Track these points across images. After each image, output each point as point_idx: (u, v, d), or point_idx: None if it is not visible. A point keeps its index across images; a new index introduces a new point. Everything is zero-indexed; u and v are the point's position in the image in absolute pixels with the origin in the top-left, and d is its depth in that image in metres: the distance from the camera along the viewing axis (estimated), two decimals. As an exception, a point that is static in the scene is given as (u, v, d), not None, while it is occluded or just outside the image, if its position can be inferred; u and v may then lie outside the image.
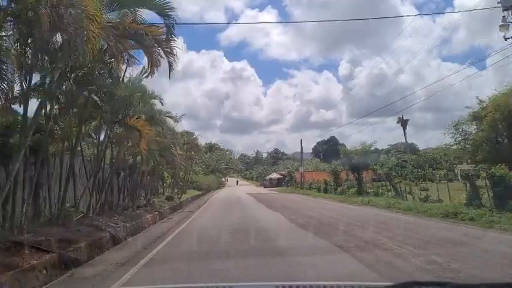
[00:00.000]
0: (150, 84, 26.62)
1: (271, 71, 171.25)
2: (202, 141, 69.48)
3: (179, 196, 29.94)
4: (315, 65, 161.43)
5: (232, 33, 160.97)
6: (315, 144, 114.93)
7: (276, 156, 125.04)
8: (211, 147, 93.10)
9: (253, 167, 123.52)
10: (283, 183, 69.33)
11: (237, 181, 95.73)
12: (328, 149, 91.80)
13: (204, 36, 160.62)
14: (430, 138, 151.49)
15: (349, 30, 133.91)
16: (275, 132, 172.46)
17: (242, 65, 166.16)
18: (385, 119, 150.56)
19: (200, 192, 44.46)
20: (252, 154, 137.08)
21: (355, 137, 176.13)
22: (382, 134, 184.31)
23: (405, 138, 59.62)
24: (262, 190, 55.85)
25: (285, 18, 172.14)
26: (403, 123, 58.18)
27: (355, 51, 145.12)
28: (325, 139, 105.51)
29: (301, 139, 58.68)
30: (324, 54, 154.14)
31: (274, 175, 75.49)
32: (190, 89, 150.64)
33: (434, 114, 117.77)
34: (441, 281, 2.40)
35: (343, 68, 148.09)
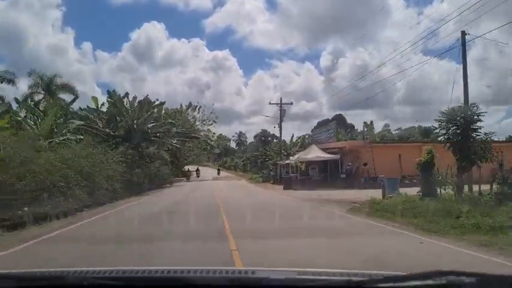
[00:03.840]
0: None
1: (254, 60, 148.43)
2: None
3: None
4: (300, 55, 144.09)
5: (217, 20, 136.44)
6: (315, 125, 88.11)
7: (265, 140, 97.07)
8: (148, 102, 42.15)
9: (234, 154, 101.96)
10: (343, 172, 24.54)
11: (219, 170, 65.81)
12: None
13: (187, 23, 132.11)
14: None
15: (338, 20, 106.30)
16: (255, 123, 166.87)
17: (224, 53, 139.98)
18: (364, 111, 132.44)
19: None
20: (234, 137, 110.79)
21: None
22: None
23: None
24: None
25: (272, 6, 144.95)
26: None
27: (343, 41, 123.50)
28: (329, 118, 79.43)
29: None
30: (310, 44, 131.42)
31: (315, 153, 30.13)
32: (170, 78, 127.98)
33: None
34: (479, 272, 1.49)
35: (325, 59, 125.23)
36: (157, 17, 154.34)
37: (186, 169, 54.70)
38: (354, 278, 1.63)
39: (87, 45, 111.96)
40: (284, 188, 28.09)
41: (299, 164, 31.57)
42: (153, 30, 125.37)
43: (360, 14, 79.87)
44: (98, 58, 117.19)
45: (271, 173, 41.46)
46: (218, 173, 61.13)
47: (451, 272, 1.46)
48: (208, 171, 66.09)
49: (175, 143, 37.46)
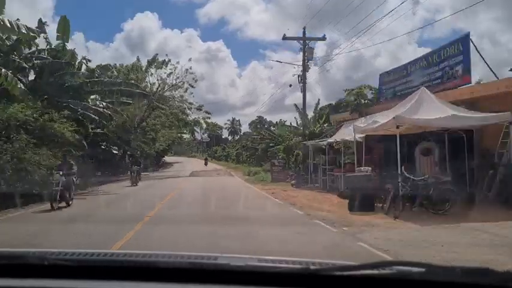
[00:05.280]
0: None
1: (248, 51, 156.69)
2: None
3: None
4: (295, 46, 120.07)
5: (211, 10, 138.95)
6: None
7: (262, 128, 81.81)
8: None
9: (226, 143, 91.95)
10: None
11: (206, 160, 58.35)
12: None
13: (180, 14, 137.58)
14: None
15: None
16: (250, 115, 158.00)
17: (218, 44, 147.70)
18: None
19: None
20: (226, 124, 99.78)
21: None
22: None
23: None
24: None
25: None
26: None
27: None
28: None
29: None
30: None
31: (440, 110, 9.52)
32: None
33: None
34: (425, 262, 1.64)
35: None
36: (150, 7, 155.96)
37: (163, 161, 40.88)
38: (312, 267, 1.66)
39: (79, 36, 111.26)
40: (351, 209, 9.90)
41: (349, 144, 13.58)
42: (146, 20, 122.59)
43: (355, 3, 70.02)
44: (90, 49, 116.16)
45: (290, 167, 23.20)
46: (205, 164, 52.96)
47: (398, 262, 1.53)
48: (194, 163, 57.33)
49: (103, 106, 19.03)
